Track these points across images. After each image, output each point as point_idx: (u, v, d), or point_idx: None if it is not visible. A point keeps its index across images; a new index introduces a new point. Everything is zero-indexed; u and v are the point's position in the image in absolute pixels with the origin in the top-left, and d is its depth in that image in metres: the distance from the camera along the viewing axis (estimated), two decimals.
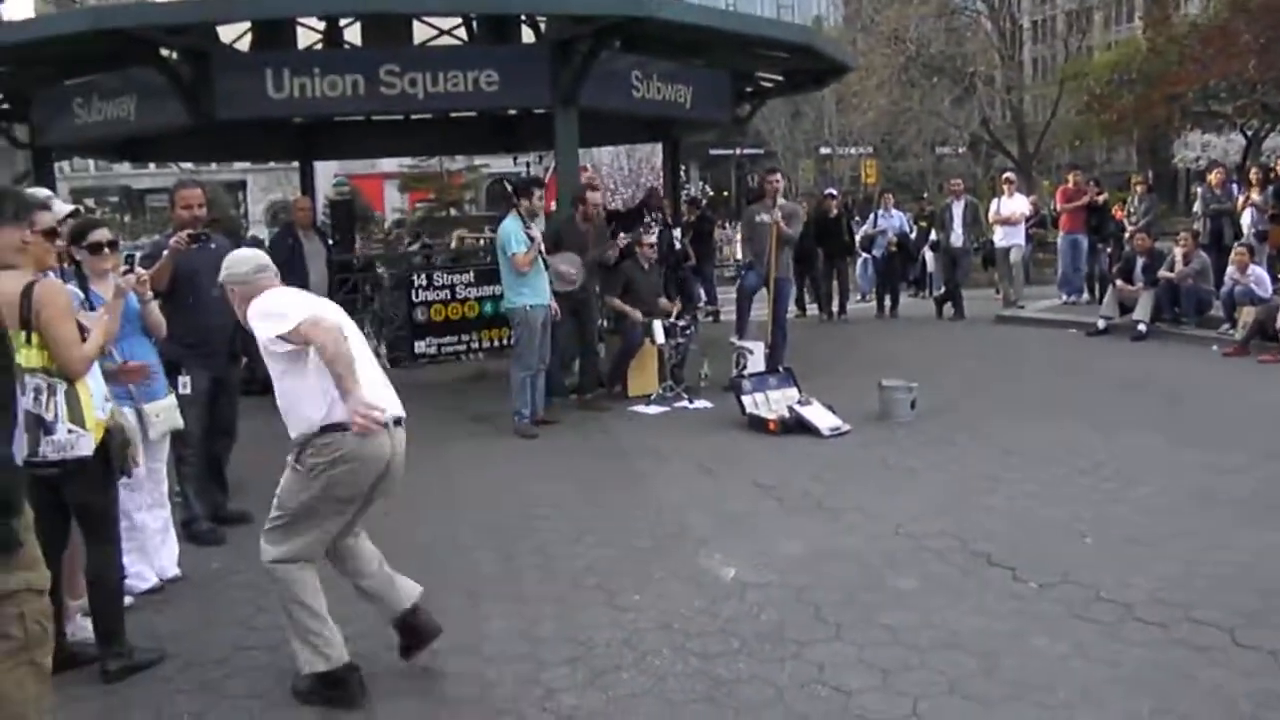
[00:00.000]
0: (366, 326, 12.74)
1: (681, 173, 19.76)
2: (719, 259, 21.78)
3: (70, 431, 3.78)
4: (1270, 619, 4.26)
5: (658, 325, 9.41)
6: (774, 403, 8.41)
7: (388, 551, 5.63)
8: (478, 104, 11.28)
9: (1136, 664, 3.95)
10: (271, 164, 37.68)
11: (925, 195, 28.15)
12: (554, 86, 9.75)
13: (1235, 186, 14.88)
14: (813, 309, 16.34)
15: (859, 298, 18.22)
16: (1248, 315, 10.90)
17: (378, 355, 9.56)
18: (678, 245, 13.04)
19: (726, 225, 28.08)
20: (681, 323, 9.69)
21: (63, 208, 4.82)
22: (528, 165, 36.91)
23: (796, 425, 8.03)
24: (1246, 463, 6.69)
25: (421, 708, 3.88)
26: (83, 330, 3.99)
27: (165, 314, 5.32)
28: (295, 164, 16.98)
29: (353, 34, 12.48)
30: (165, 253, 5.83)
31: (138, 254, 6.92)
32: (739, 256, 17.64)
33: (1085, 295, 15.17)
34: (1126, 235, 14.08)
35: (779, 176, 10.48)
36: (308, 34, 12.41)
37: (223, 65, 9.69)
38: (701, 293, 15.42)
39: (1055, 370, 10.55)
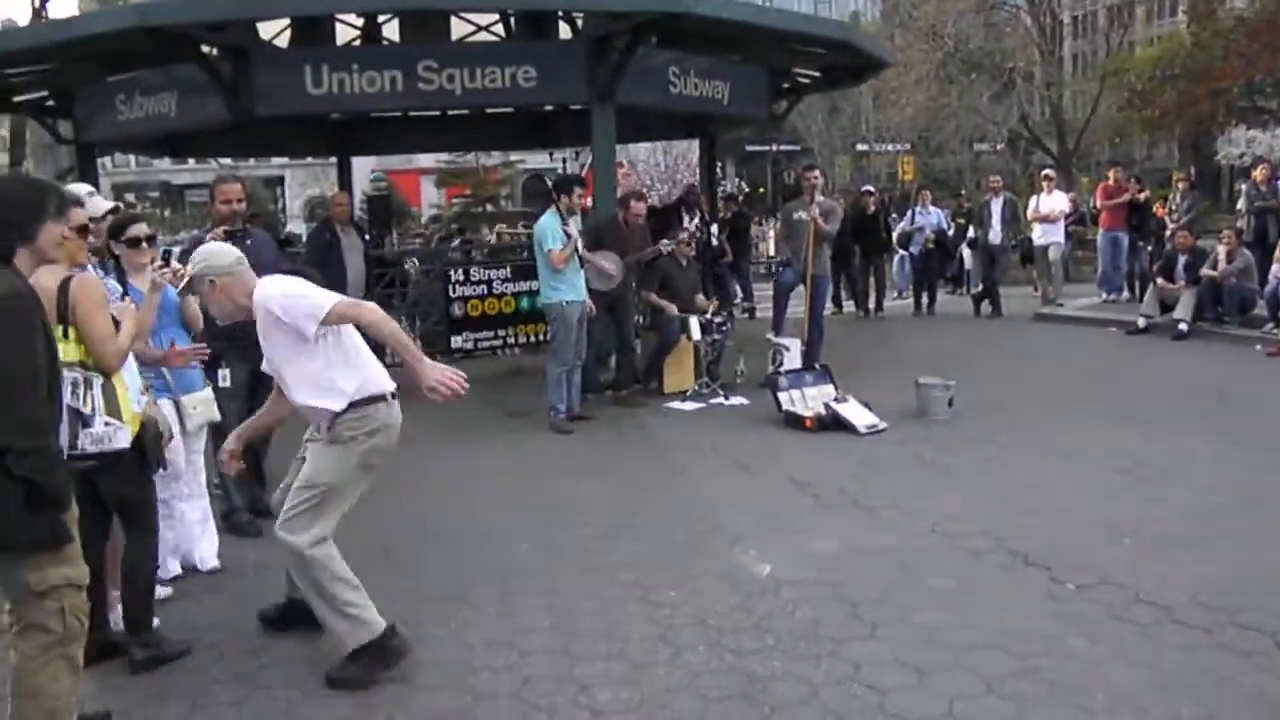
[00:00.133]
0: (402, 320, 12.83)
1: (718, 169, 19.71)
2: (753, 255, 21.73)
3: (107, 424, 3.81)
4: None
5: (694, 321, 9.40)
6: (810, 400, 8.38)
7: (421, 545, 5.69)
8: (515, 100, 11.29)
9: (1177, 668, 3.91)
10: (309, 159, 37.91)
11: (963, 192, 27.94)
12: (591, 83, 9.76)
13: None
14: (849, 306, 16.27)
15: (895, 295, 18.12)
16: None
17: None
18: (714, 242, 13.03)
19: (762, 222, 28.02)
20: (718, 319, 9.67)
21: (102, 204, 4.87)
22: (564, 161, 36.98)
23: (833, 422, 8.00)
24: None
25: (456, 701, 3.89)
26: (116, 324, 4.03)
27: (203, 308, 5.37)
28: (333, 159, 17.08)
29: (391, 30, 12.54)
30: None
31: (175, 249, 6.99)
32: (772, 253, 17.65)
33: (1125, 293, 15.01)
34: (1168, 233, 13.94)
35: (817, 173, 10.44)
36: (346, 31, 12.49)
37: (262, 62, 9.77)
38: (737, 289, 15.40)
39: (1094, 369, 10.46)
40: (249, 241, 6.08)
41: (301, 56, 10.14)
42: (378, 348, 4.48)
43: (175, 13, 8.82)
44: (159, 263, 4.96)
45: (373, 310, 4.12)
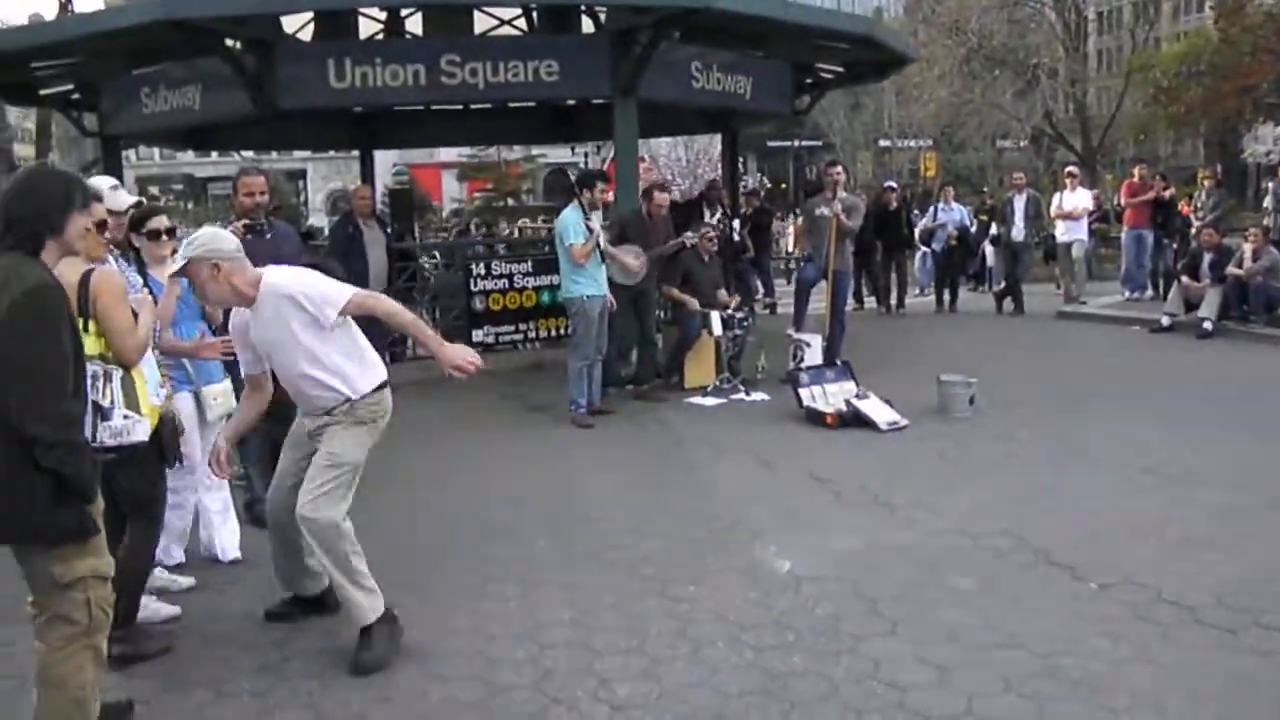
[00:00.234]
0: (421, 314, 12.86)
1: (739, 164, 19.69)
2: (773, 251, 21.71)
3: (126, 417, 3.81)
4: None
5: (715, 317, 9.38)
6: (831, 396, 8.36)
7: (443, 539, 5.71)
8: (537, 94, 11.34)
9: (1201, 669, 3.88)
10: (331, 153, 38.08)
11: (986, 189, 27.82)
12: (614, 77, 9.77)
13: None
14: (870, 302, 16.23)
15: (917, 292, 18.08)
16: None
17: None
18: (736, 237, 13.01)
19: (783, 218, 27.96)
20: (739, 314, 9.66)
21: (126, 198, 4.90)
22: (585, 156, 36.98)
23: (854, 419, 7.98)
24: None
25: (477, 693, 3.90)
26: (135, 317, 4.04)
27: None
28: (355, 153, 17.15)
29: (414, 24, 12.57)
30: None
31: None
32: (791, 249, 17.62)
33: (1149, 292, 14.91)
34: (1193, 230, 13.83)
35: (840, 169, 10.40)
36: (369, 25, 12.52)
37: (286, 55, 9.82)
38: (759, 284, 15.37)
39: (1117, 367, 10.39)
40: (269, 235, 6.11)
41: (324, 50, 10.20)
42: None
43: (200, 6, 8.86)
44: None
45: (389, 301, 4.38)
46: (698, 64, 10.57)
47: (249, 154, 21.19)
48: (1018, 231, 14.74)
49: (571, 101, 14.01)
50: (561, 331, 11.25)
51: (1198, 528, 5.45)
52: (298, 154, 44.47)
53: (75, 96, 12.53)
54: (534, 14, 12.85)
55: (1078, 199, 15.22)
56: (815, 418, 8.17)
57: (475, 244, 19.04)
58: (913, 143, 42.53)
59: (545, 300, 11.53)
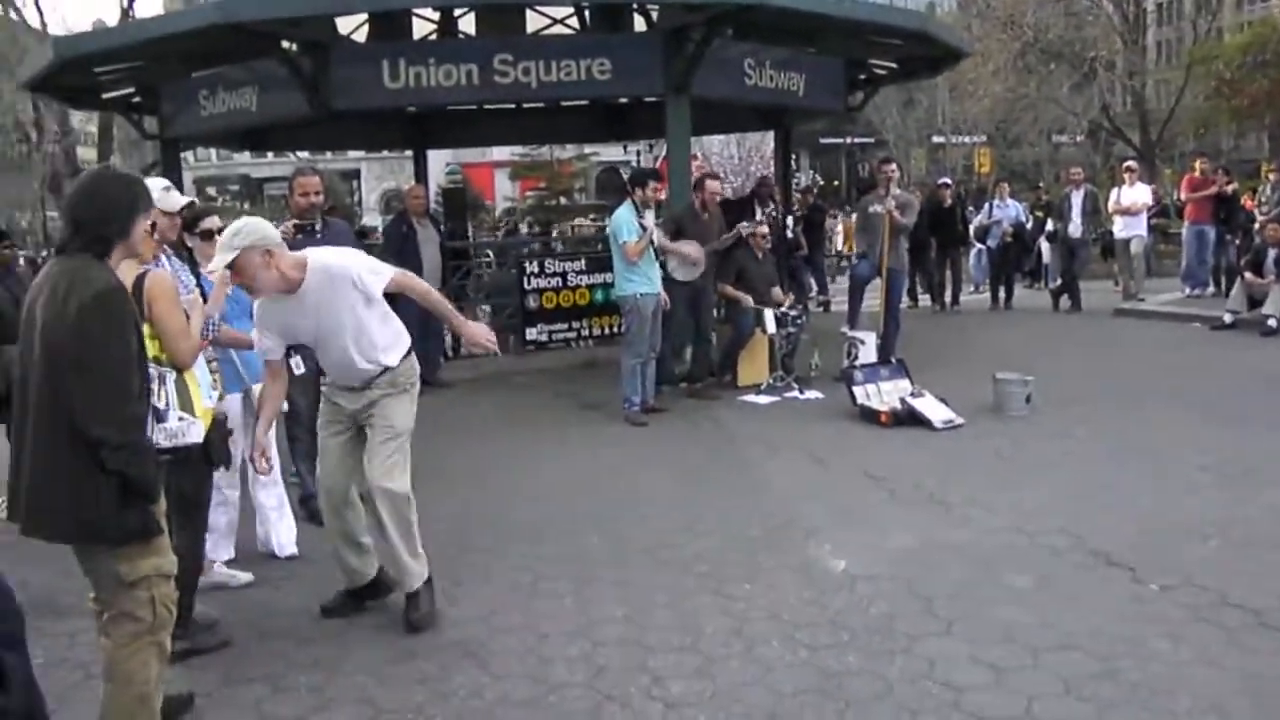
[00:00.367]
0: (478, 311, 12.95)
1: (792, 161, 19.61)
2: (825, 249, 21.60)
3: (181, 419, 3.84)
4: None
5: (769, 314, 9.36)
6: (886, 394, 8.31)
7: (496, 536, 5.75)
8: (590, 93, 11.35)
9: (1266, 673, 3.80)
10: (385, 153, 38.42)
11: (1041, 184, 27.46)
12: (666, 75, 9.76)
13: None
14: (925, 299, 16.09)
15: (972, 289, 17.90)
16: None
17: None
18: (790, 234, 12.96)
19: (834, 215, 27.82)
20: (793, 312, 9.62)
21: (178, 199, 4.98)
22: (638, 154, 37.00)
23: (908, 417, 7.92)
24: None
25: (532, 690, 3.92)
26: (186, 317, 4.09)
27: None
28: (409, 153, 17.28)
29: (467, 24, 12.63)
30: None
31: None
32: (839, 247, 17.53)
33: (1211, 288, 14.64)
34: (1257, 225, 13.55)
35: (894, 166, 10.35)
36: (423, 25, 12.62)
37: (341, 56, 9.92)
38: (812, 282, 15.31)
39: (1178, 365, 10.21)
40: (319, 235, 6.17)
41: (379, 51, 10.28)
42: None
43: (257, 9, 8.97)
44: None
45: (421, 281, 4.74)
46: (750, 61, 10.53)
47: (304, 154, 21.43)
48: (1075, 227, 14.56)
49: (624, 100, 14.02)
50: (614, 329, 11.27)
51: (1261, 528, 5.34)
52: (352, 154, 44.89)
53: (136, 100, 12.73)
54: (586, 13, 12.86)
55: (1136, 194, 14.98)
56: (869, 416, 8.12)
57: (530, 242, 19.13)
58: (967, 139, 42.09)
59: (598, 298, 11.57)
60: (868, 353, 9.46)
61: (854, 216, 13.98)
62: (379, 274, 4.41)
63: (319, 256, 4.41)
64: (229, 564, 5.29)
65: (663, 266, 8.76)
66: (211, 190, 52.28)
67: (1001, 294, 15.79)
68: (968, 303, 15.83)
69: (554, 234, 24.26)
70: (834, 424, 8.18)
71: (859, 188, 32.10)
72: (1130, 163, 17.17)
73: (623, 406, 8.60)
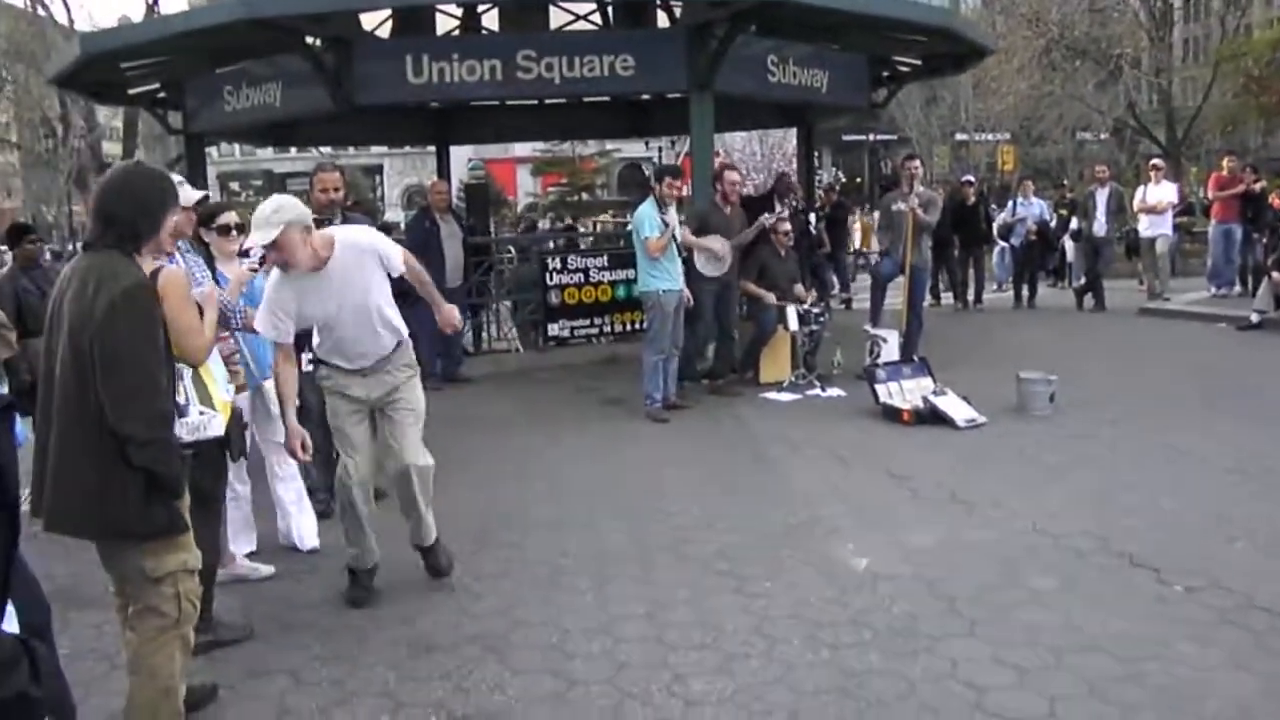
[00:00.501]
0: (499, 307, 12.98)
1: (814, 158, 19.55)
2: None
3: (202, 413, 3.87)
4: None
5: (792, 311, 9.33)
6: (908, 392, 8.28)
7: (517, 532, 5.76)
8: (613, 89, 11.33)
9: None
10: (408, 148, 38.50)
11: (1066, 182, 27.29)
12: (689, 71, 9.75)
13: None
14: (947, 298, 16.03)
15: (995, 287, 17.81)
16: None
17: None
18: (813, 231, 12.93)
19: (855, 213, 27.73)
20: (815, 310, 9.59)
21: (192, 193, 5.00)
22: (660, 150, 37.02)
23: (931, 416, 7.89)
24: None
25: (552, 685, 3.92)
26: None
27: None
28: (431, 148, 17.31)
29: (490, 20, 12.66)
30: None
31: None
32: (857, 245, 17.49)
33: (1237, 288, 14.52)
34: None
35: (917, 163, 10.28)
36: (446, 21, 12.64)
37: (364, 52, 9.95)
38: (834, 279, 15.26)
39: (1203, 365, 10.13)
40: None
41: (402, 46, 10.30)
42: None
43: (281, 5, 9.01)
44: (250, 263, 5.08)
45: (414, 260, 4.87)
46: (774, 57, 10.50)
47: (327, 150, 21.48)
48: (1099, 226, 14.46)
49: (646, 96, 14.01)
50: (636, 326, 11.28)
51: None
52: (374, 149, 45.05)
53: (161, 95, 12.81)
54: (609, 8, 12.87)
55: (1162, 192, 14.87)
56: (892, 414, 8.09)
57: (553, 238, 19.15)
58: (990, 136, 41.84)
59: (620, 294, 11.57)
60: (890, 351, 9.42)
61: (875, 215, 13.94)
62: (398, 254, 4.71)
63: (346, 234, 4.69)
64: (250, 557, 5.32)
65: (686, 263, 8.73)
66: (235, 185, 52.64)
67: (1025, 292, 15.72)
68: (991, 301, 15.76)
69: (580, 228, 24.29)
70: (856, 422, 8.15)
71: (883, 185, 31.99)
72: (1156, 161, 17.01)
73: (644, 403, 8.59)
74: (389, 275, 4.68)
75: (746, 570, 5.01)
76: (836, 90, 11.58)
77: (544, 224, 29.31)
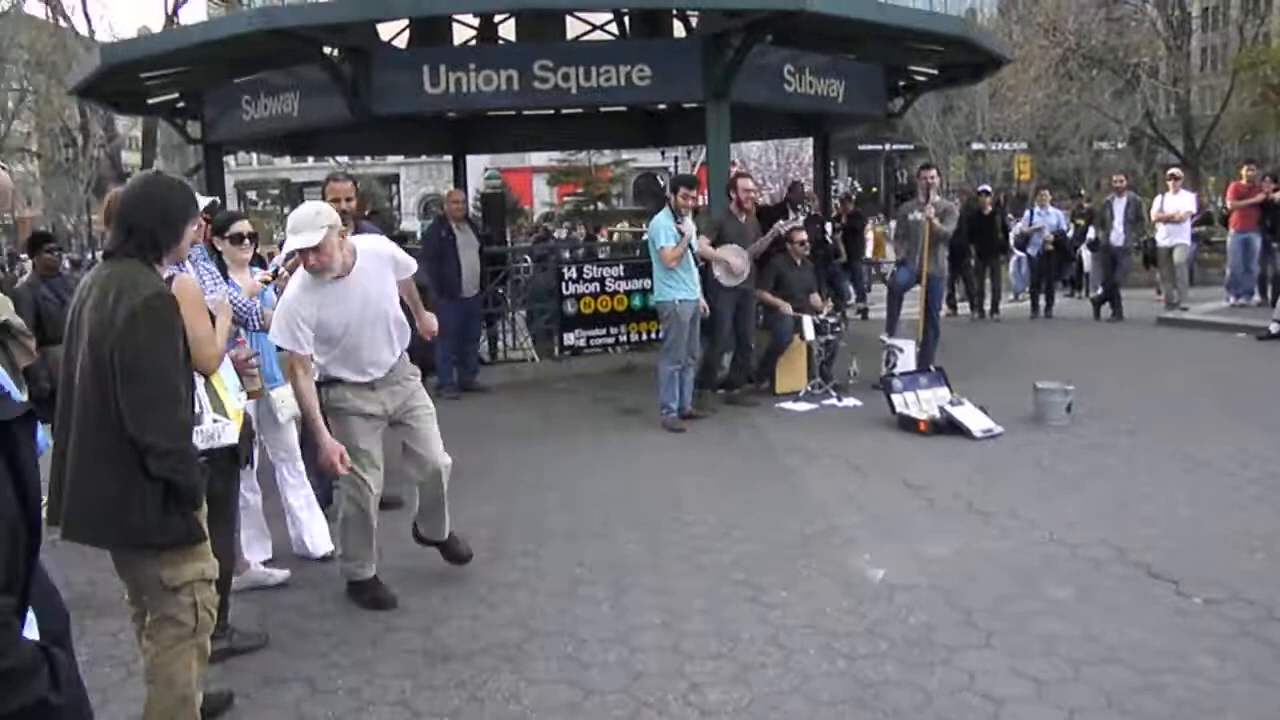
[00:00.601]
0: (515, 316, 12.98)
1: (830, 168, 19.54)
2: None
3: (215, 421, 3.88)
4: None
5: (808, 321, 9.32)
6: (925, 402, 8.25)
7: (533, 541, 5.76)
8: (629, 99, 11.36)
9: None
10: (424, 157, 38.65)
11: (1083, 192, 27.20)
12: (705, 81, 9.76)
13: None
14: (964, 307, 15.99)
15: (1012, 297, 17.76)
16: None
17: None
18: (829, 240, 12.91)
19: (868, 222, 27.66)
20: (832, 319, 9.58)
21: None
22: (675, 160, 37.04)
23: (948, 426, 7.86)
24: None
25: (568, 695, 3.92)
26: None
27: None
28: (448, 157, 17.37)
29: (507, 30, 12.70)
30: None
31: (282, 255, 7.20)
32: (869, 254, 17.47)
33: (1256, 298, 14.44)
34: None
35: (934, 172, 10.26)
36: (463, 31, 12.69)
37: (382, 62, 9.99)
38: (850, 289, 15.24)
39: (1222, 375, 10.06)
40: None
41: (420, 56, 10.34)
42: None
43: (299, 16, 9.06)
44: (265, 273, 5.11)
45: None
46: (790, 67, 10.50)
47: (344, 159, 21.61)
48: (1117, 236, 14.42)
49: (662, 106, 14.03)
50: (651, 335, 11.28)
51: None
52: (391, 159, 45.26)
53: (180, 105, 12.89)
54: (626, 19, 12.89)
55: (1180, 202, 14.81)
56: (908, 424, 8.08)
57: (569, 247, 19.19)
58: (1007, 145, 41.74)
59: (636, 304, 11.58)
60: (906, 360, 9.40)
61: (890, 224, 13.90)
62: (406, 255, 4.94)
63: (367, 242, 4.79)
64: (265, 564, 5.34)
65: (704, 273, 8.74)
66: (252, 194, 52.89)
67: (1042, 302, 15.67)
68: (1008, 311, 15.71)
69: (600, 237, 24.31)
70: (872, 432, 8.14)
71: (898, 194, 31.97)
72: (1174, 170, 16.96)
73: (660, 412, 8.59)
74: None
75: (763, 580, 5.00)
76: (853, 100, 11.58)
77: (560, 233, 29.36)
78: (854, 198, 21.08)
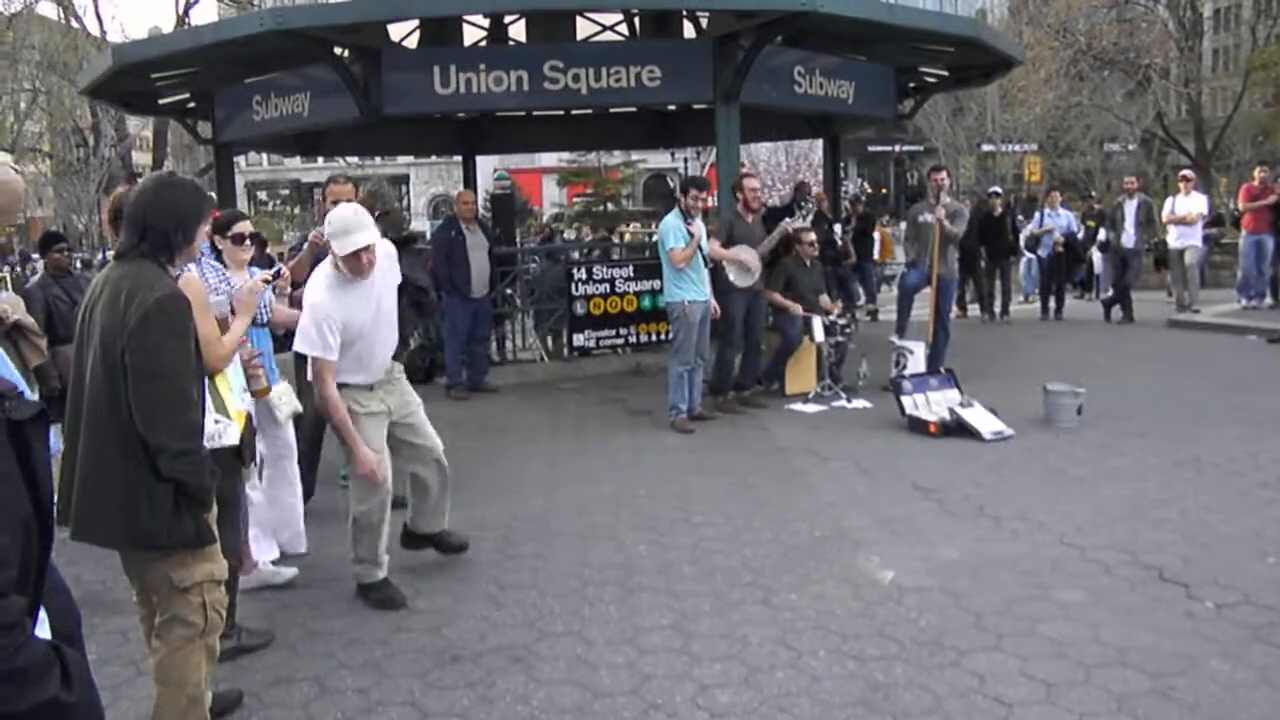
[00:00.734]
0: (524, 316, 12.99)
1: (840, 169, 19.53)
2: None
3: (217, 421, 3.88)
4: None
5: (817, 323, 9.30)
6: (934, 404, 8.24)
7: (542, 543, 5.76)
8: (639, 100, 11.35)
9: None
10: (434, 158, 38.70)
11: (1094, 193, 27.13)
12: (715, 82, 9.76)
13: None
14: (974, 309, 15.96)
15: (1022, 299, 17.72)
16: None
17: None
18: (838, 241, 12.89)
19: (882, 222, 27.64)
20: (841, 321, 9.56)
21: None
22: (685, 161, 37.05)
23: (957, 428, 7.85)
24: None
25: (577, 697, 3.92)
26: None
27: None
28: (458, 158, 17.38)
29: (517, 31, 12.71)
30: (305, 246, 6.16)
31: (286, 254, 7.24)
32: (876, 256, 17.45)
33: (1268, 300, 14.40)
34: None
35: (944, 174, 10.24)
36: (473, 32, 12.70)
37: (392, 62, 10.00)
38: (860, 290, 15.22)
39: (1233, 377, 10.03)
40: None
41: (430, 57, 10.36)
42: None
43: (310, 16, 9.07)
44: (269, 274, 5.12)
45: None
46: (800, 69, 10.49)
47: (354, 159, 21.65)
48: (1128, 237, 14.38)
49: (672, 107, 14.02)
50: (661, 336, 11.27)
51: None
52: (401, 159, 45.32)
53: (191, 105, 12.92)
54: (636, 20, 12.89)
55: (1191, 204, 14.77)
56: (918, 426, 8.06)
57: (584, 247, 19.19)
58: (1017, 147, 41.69)
59: (645, 305, 11.58)
60: (916, 362, 9.38)
61: (900, 225, 13.88)
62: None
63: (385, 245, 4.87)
64: (274, 563, 5.35)
65: (715, 274, 8.73)
66: (263, 194, 53.03)
67: (1052, 304, 15.63)
68: (1018, 313, 15.68)
69: (613, 237, 24.31)
70: (882, 434, 8.12)
71: (908, 196, 31.93)
72: (1185, 172, 16.90)
73: (669, 413, 8.59)
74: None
75: (772, 582, 4.99)
76: (863, 101, 11.57)
77: (569, 234, 29.37)
78: (863, 198, 21.07)
